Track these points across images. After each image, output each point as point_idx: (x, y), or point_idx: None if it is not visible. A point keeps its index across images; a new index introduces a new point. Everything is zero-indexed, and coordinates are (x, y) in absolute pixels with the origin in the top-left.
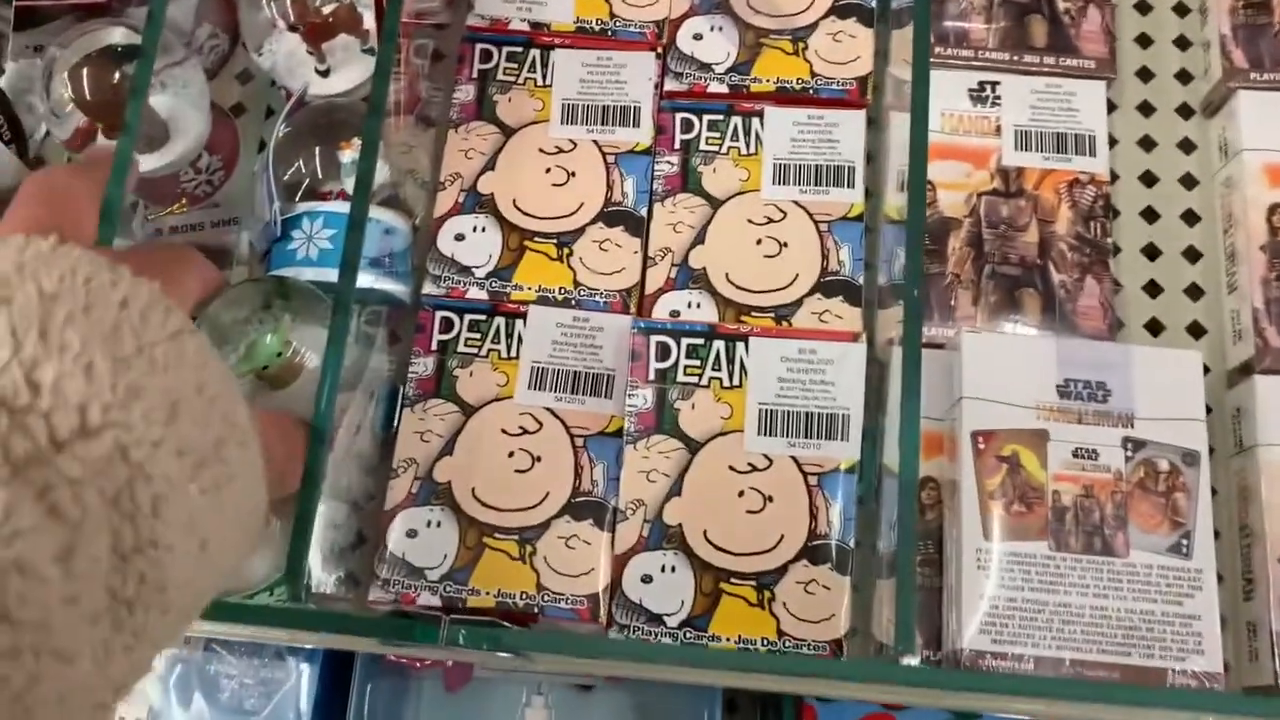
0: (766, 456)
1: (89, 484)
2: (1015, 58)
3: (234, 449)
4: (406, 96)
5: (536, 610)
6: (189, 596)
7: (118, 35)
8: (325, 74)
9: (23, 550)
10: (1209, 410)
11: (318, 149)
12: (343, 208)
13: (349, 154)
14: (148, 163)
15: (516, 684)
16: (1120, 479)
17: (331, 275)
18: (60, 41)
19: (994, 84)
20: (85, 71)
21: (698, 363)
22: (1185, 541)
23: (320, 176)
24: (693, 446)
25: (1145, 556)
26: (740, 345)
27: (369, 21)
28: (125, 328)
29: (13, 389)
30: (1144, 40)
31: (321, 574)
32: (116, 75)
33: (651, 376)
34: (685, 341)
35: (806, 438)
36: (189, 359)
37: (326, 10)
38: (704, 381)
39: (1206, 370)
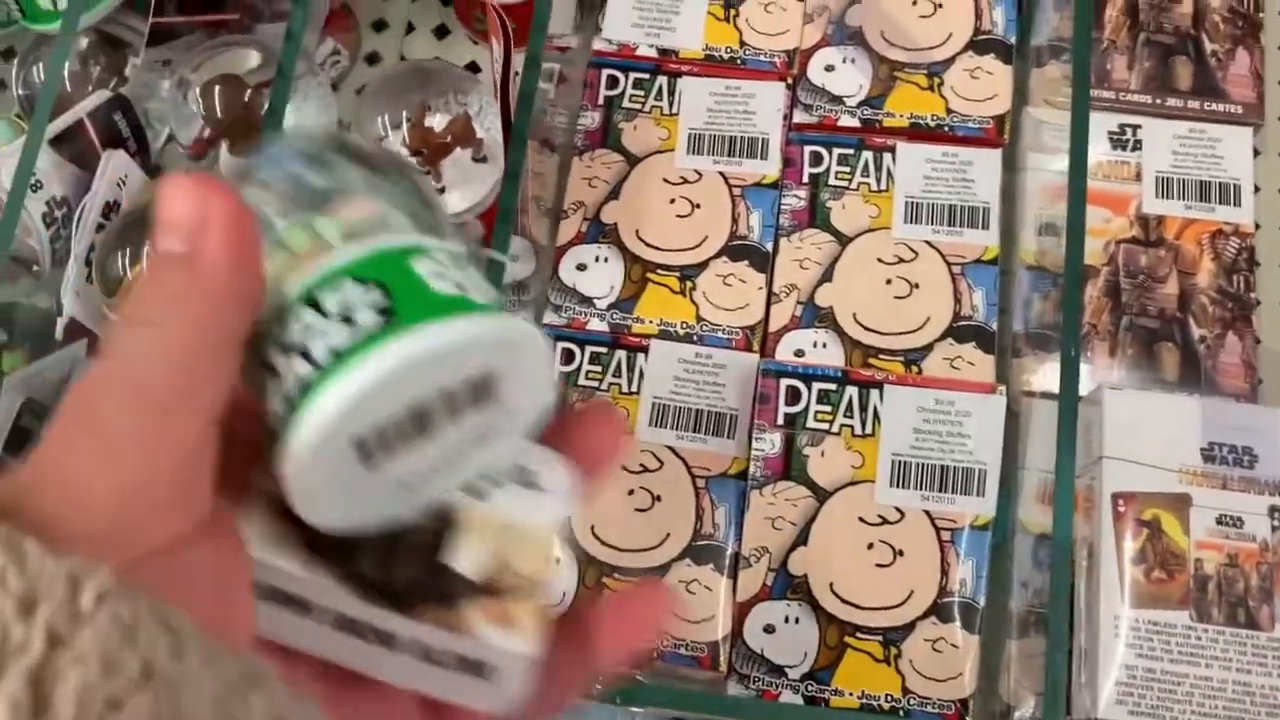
0: (898, 509)
1: None
2: (1158, 100)
3: None
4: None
5: (655, 656)
6: None
7: (253, 59)
8: (441, 192)
9: None
10: None
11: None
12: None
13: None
14: None
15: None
16: (1266, 549)
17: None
18: (191, 60)
19: (1135, 127)
20: (217, 89)
21: (829, 409)
22: None
23: None
24: (821, 495)
25: None
26: (874, 393)
27: (481, 131)
28: None
29: None
30: None
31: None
32: (247, 94)
33: (780, 421)
34: (817, 386)
35: (940, 491)
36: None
37: (442, 128)
38: (835, 429)
39: None
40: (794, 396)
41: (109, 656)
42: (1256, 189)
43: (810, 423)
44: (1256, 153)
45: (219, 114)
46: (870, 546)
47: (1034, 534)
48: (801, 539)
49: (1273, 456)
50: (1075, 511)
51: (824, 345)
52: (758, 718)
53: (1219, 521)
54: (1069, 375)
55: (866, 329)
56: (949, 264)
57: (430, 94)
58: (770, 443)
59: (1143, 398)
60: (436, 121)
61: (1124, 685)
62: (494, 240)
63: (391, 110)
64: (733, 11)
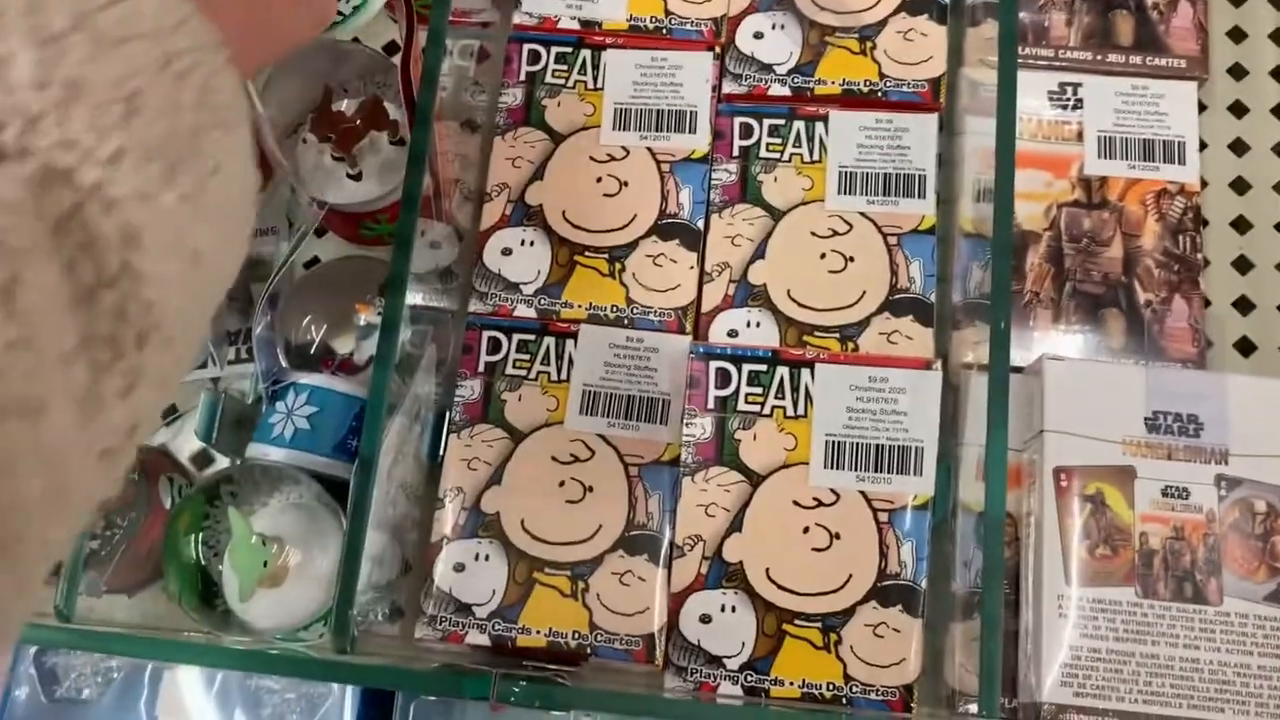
0: (834, 491)
1: (25, 211)
2: (1099, 57)
3: (216, 134)
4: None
5: (589, 650)
6: (192, 319)
7: None
8: (357, 178)
9: None
10: None
11: (333, 306)
12: (330, 383)
13: (365, 316)
14: None
15: None
16: (1213, 520)
17: (302, 460)
18: None
19: (1075, 86)
20: None
21: (760, 390)
22: None
23: (332, 337)
24: (754, 480)
25: (1240, 605)
26: (806, 372)
27: (396, 113)
28: None
29: None
30: (1236, 34)
31: (367, 607)
32: None
33: (711, 405)
34: (747, 368)
35: (877, 471)
36: (147, 20)
37: (352, 113)
38: (767, 410)
39: None
40: (724, 379)
41: None
42: (1204, 145)
43: (741, 405)
44: (1202, 107)
45: None
46: (806, 530)
47: (975, 512)
48: (736, 525)
49: (1219, 423)
50: (1019, 486)
51: (758, 324)
52: (689, 716)
53: (1164, 493)
54: (998, 350)
55: (801, 306)
56: (884, 235)
57: (341, 76)
58: (701, 428)
59: (1085, 368)
60: (345, 105)
61: (1069, 667)
62: (399, 226)
63: (301, 94)
64: None
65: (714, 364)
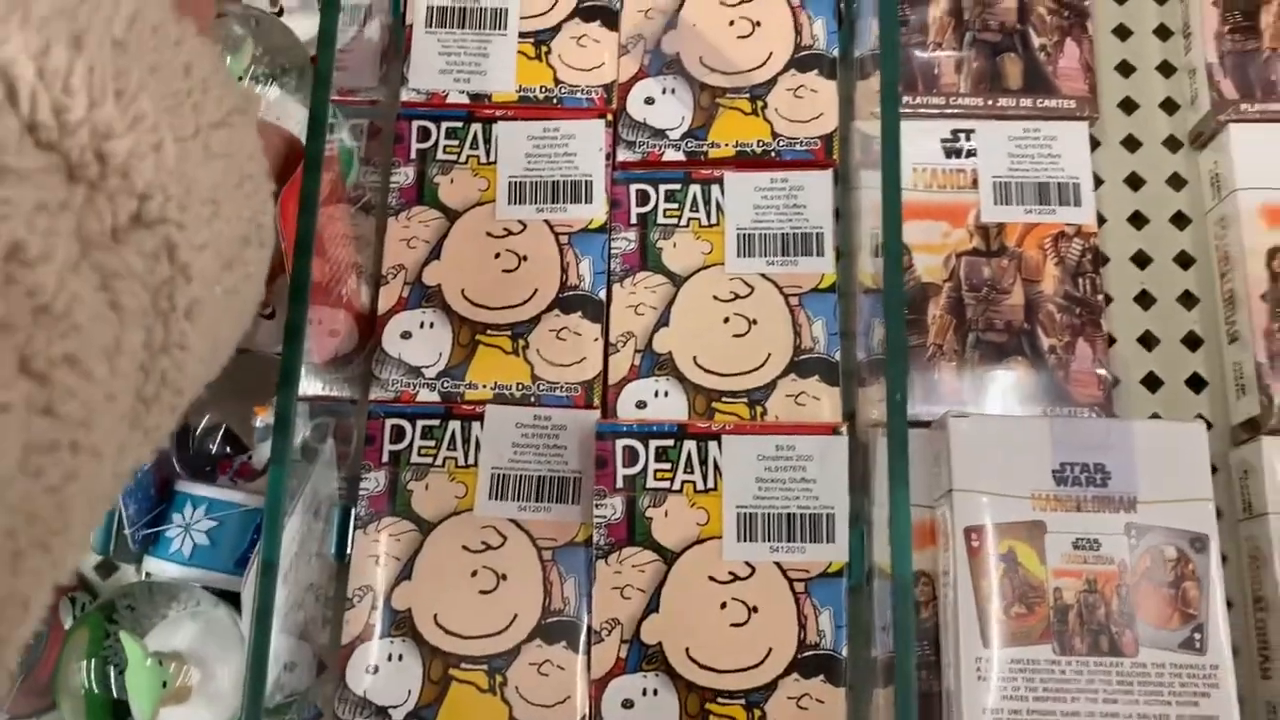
0: (748, 564)
1: (137, 277)
2: (989, 102)
3: (255, 250)
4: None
5: None
6: (192, 394)
7: None
8: (270, 316)
9: (78, 344)
10: (1214, 469)
11: (230, 408)
12: (228, 495)
13: (262, 418)
14: None
15: None
16: (1125, 570)
17: (204, 578)
18: None
19: (968, 132)
20: None
21: (668, 466)
22: (1198, 635)
23: (230, 440)
24: (668, 557)
25: (1156, 655)
26: (713, 444)
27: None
28: (188, 103)
29: (80, 155)
30: (1125, 68)
31: (284, 713)
32: None
33: (620, 484)
34: (654, 444)
35: (790, 541)
36: (240, 147)
37: None
38: (676, 486)
39: (1210, 425)
40: (631, 457)
41: None
42: (1100, 181)
43: (650, 483)
44: (1095, 143)
45: None
46: (723, 606)
47: (890, 575)
48: (653, 606)
49: (1125, 470)
50: (934, 544)
51: (666, 394)
52: None
53: (1075, 546)
54: (896, 419)
55: (708, 372)
56: (785, 296)
57: None
58: (612, 508)
59: (989, 423)
60: None
61: None
62: (289, 318)
63: None
64: (544, 48)
65: (620, 442)
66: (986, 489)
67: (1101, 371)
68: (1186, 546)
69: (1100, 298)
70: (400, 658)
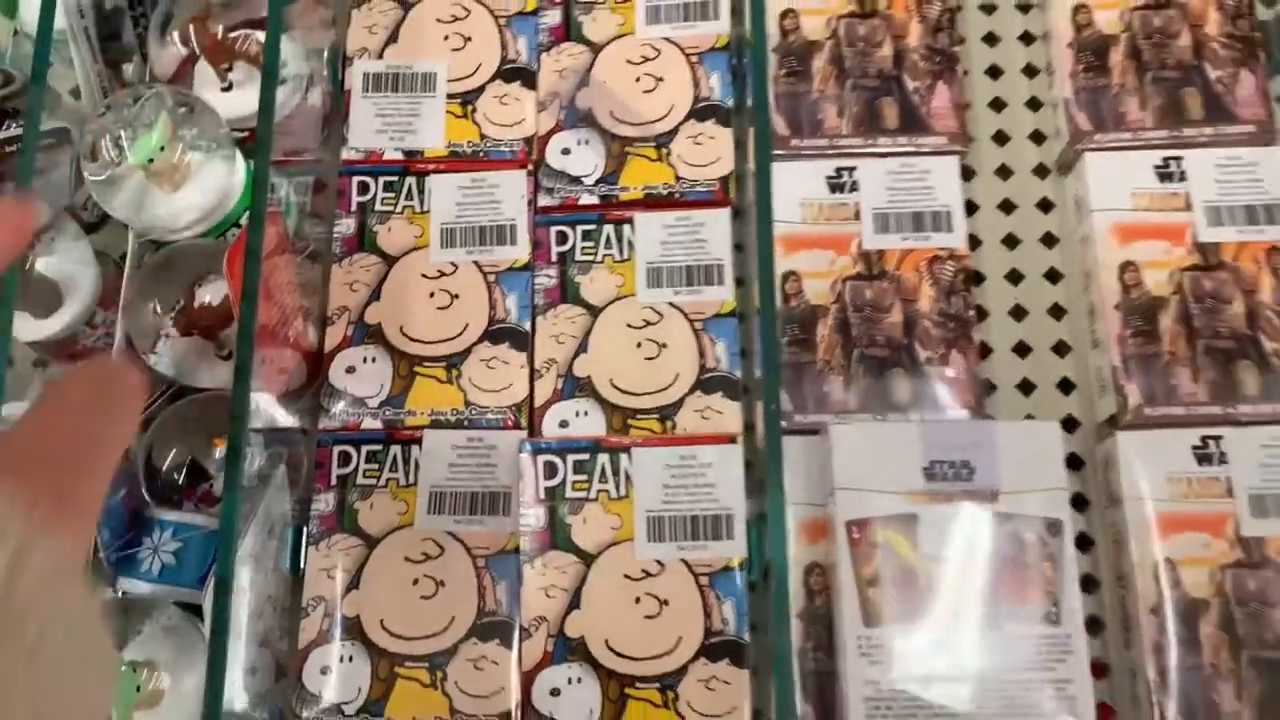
0: (658, 562)
1: None
2: (869, 141)
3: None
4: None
5: None
6: None
7: None
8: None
9: None
10: (1082, 463)
11: (194, 441)
12: (191, 519)
13: (221, 450)
14: (45, 328)
15: None
16: (990, 554)
17: (171, 593)
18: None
19: (850, 169)
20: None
21: (584, 478)
22: (1055, 609)
23: (194, 471)
24: (587, 559)
25: (1019, 627)
26: (624, 456)
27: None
28: None
29: None
30: (997, 104)
31: (249, 714)
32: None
33: (541, 495)
34: (571, 458)
35: (694, 540)
36: None
37: (218, 302)
38: (593, 495)
39: (1078, 424)
40: (551, 471)
41: None
42: (976, 207)
43: (569, 493)
44: (972, 173)
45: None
46: (637, 600)
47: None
48: (575, 603)
49: (989, 466)
50: (823, 538)
51: (586, 413)
52: None
53: (944, 534)
54: (771, 430)
55: (623, 392)
56: (691, 321)
57: (201, 271)
58: (536, 517)
59: (867, 428)
60: (208, 296)
61: (872, 701)
62: (237, 359)
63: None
64: (470, 108)
65: (541, 458)
66: (865, 486)
67: (972, 378)
68: (1044, 531)
69: (971, 313)
70: (351, 659)
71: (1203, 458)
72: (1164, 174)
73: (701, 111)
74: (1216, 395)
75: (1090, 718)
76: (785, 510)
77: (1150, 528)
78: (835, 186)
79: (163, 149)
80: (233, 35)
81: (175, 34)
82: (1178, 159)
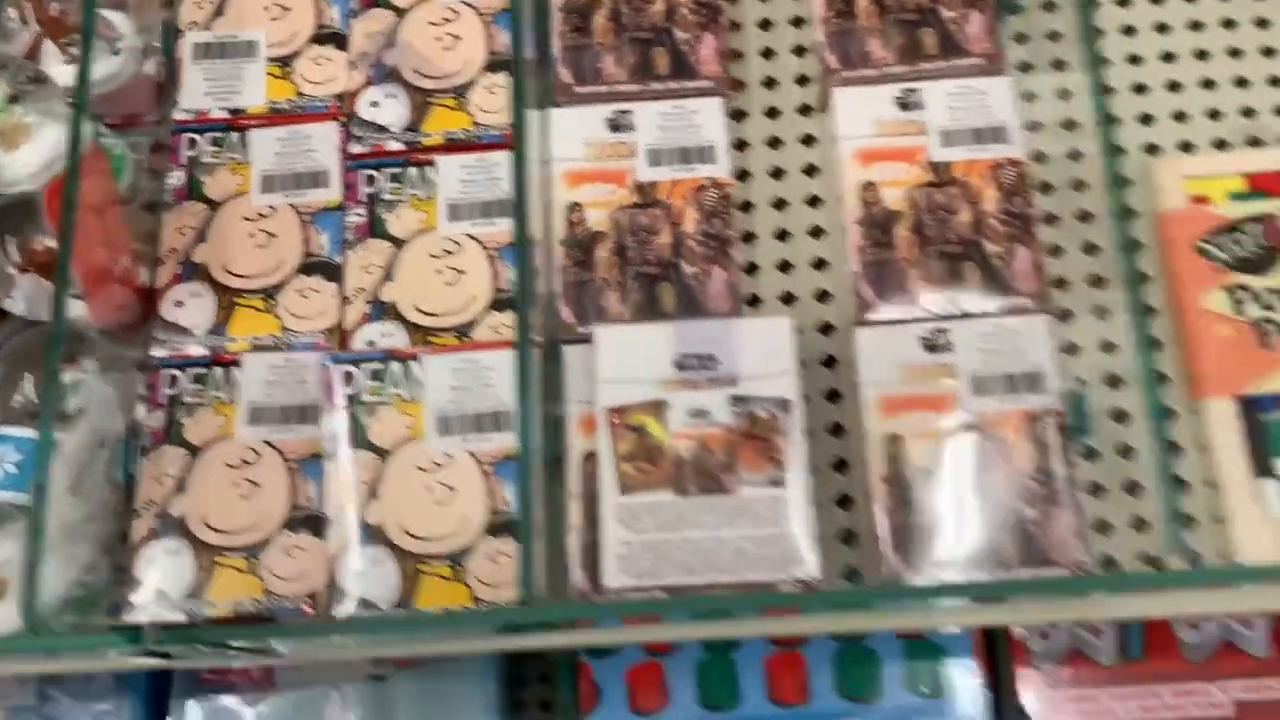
0: (447, 454)
1: None
2: (644, 87)
3: None
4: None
5: (268, 613)
6: None
7: None
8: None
9: None
10: (838, 361)
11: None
12: (29, 434)
13: (71, 374)
14: None
15: (321, 685)
16: (730, 431)
17: (13, 498)
18: None
19: (628, 112)
20: None
21: (380, 384)
22: (781, 474)
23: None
24: (384, 455)
25: (751, 491)
26: (415, 364)
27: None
28: None
29: None
30: (768, 53)
31: (81, 600)
32: None
33: (341, 402)
34: (367, 367)
35: (479, 433)
36: None
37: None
38: (387, 399)
39: (835, 328)
40: (349, 379)
41: None
42: (747, 144)
43: (366, 398)
44: (743, 115)
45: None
46: (430, 489)
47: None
48: (374, 494)
49: (730, 357)
50: (591, 432)
51: (391, 335)
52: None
53: (691, 415)
54: (523, 333)
55: (425, 314)
56: (487, 250)
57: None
58: (337, 421)
59: (627, 330)
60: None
61: (623, 558)
62: (55, 299)
63: None
64: (288, 69)
65: (340, 368)
66: (623, 378)
67: (732, 289)
68: (775, 409)
69: (732, 233)
70: (177, 552)
71: (930, 347)
72: (904, 104)
73: (494, 65)
74: (944, 293)
75: (815, 566)
76: (534, 406)
77: (882, 409)
78: (614, 127)
79: (1, 112)
80: (65, 10)
81: (10, 11)
82: (915, 90)
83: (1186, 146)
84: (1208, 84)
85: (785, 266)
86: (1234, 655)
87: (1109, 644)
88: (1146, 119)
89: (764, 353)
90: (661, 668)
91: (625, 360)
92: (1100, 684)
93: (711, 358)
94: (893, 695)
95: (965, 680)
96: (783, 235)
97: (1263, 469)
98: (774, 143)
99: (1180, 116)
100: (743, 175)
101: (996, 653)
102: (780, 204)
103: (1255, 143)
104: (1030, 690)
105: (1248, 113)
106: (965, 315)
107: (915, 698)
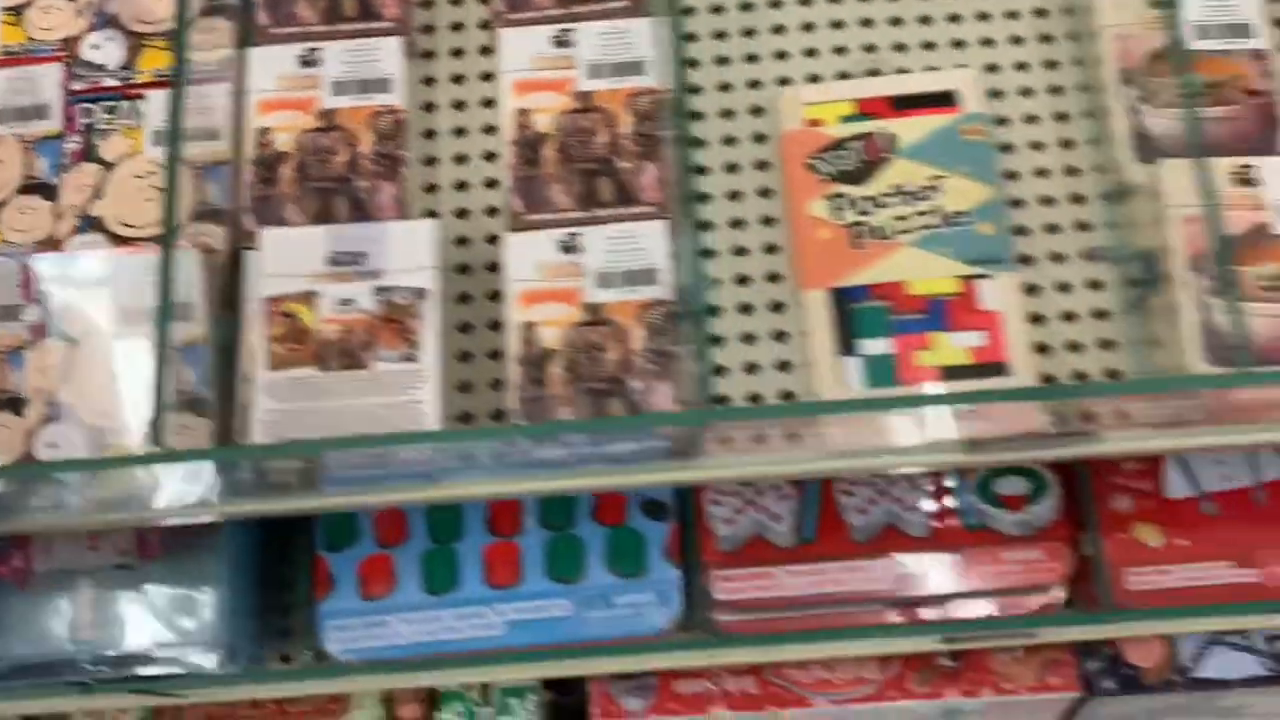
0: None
1: None
2: (332, 28)
3: None
4: None
5: None
6: None
7: None
8: None
9: None
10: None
11: None
12: None
13: None
14: None
15: (78, 575)
16: (373, 316)
17: None
18: None
19: (318, 49)
20: None
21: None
22: (414, 351)
23: None
24: (74, 345)
25: (386, 365)
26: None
27: None
28: None
29: None
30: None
31: None
32: None
33: (35, 297)
34: (75, 274)
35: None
36: None
37: None
38: None
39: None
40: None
41: None
42: (431, 80)
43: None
44: (431, 54)
45: None
46: (116, 375)
47: None
48: (66, 379)
49: (379, 255)
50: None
51: (97, 244)
52: None
53: (340, 304)
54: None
55: (128, 226)
56: (191, 169)
57: None
58: (32, 314)
59: (289, 232)
60: None
61: (267, 424)
62: None
63: None
64: (20, 16)
65: (39, 268)
66: (284, 273)
67: (399, 201)
68: (412, 296)
69: (402, 153)
70: None
71: (566, 249)
72: (559, 42)
73: (209, 10)
74: (581, 204)
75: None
76: (169, 316)
77: (522, 300)
78: (304, 63)
79: None
80: None
81: None
82: (569, 30)
83: (815, 78)
84: (836, 24)
85: (462, 185)
86: (896, 536)
87: (786, 528)
88: (781, 54)
89: (409, 251)
90: (391, 559)
91: (286, 258)
92: (779, 562)
93: (363, 255)
94: (596, 576)
95: (659, 561)
96: (461, 159)
97: (846, 348)
98: (457, 79)
99: (811, 53)
100: (429, 107)
101: (687, 538)
102: (460, 131)
103: (874, 74)
104: (716, 569)
105: (870, 48)
106: (597, 221)
107: (616, 578)
